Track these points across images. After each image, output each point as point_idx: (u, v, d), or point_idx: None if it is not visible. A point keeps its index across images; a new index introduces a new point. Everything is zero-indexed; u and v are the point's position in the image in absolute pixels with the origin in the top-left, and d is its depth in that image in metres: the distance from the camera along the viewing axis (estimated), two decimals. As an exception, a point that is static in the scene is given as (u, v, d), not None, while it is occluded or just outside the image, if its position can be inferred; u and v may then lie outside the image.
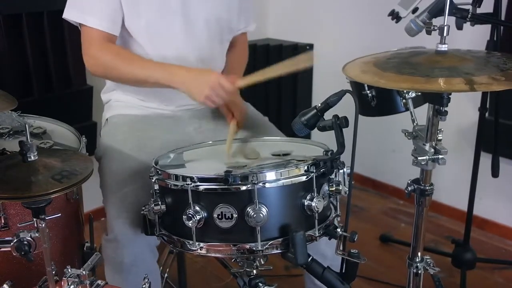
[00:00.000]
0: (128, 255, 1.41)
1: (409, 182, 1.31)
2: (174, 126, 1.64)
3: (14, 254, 1.12)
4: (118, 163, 1.51)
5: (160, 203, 1.22)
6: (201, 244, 1.18)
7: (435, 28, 1.25)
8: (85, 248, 1.43)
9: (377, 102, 1.73)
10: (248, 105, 1.78)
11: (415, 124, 1.42)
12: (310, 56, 1.61)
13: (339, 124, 1.17)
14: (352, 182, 1.21)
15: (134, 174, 1.47)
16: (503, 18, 1.95)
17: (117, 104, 1.70)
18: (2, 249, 1.21)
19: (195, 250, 1.19)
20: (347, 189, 1.23)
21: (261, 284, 1.23)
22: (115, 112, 1.69)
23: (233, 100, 1.56)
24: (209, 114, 1.71)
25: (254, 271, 1.25)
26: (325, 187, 1.22)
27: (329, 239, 1.25)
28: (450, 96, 1.18)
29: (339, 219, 1.32)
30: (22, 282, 1.24)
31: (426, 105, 1.25)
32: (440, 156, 1.23)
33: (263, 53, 2.91)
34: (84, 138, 1.45)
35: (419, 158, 1.23)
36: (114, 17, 1.51)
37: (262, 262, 1.25)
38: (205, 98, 1.40)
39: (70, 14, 1.53)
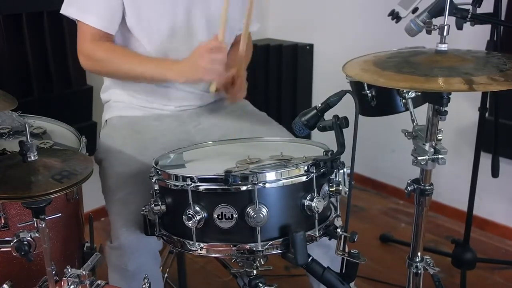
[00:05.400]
0: (132, 262, 1.40)
1: (409, 182, 1.31)
2: (174, 126, 1.64)
3: (14, 254, 1.12)
4: (120, 167, 1.50)
5: (160, 203, 1.22)
6: (201, 245, 1.18)
7: (435, 27, 1.25)
8: (85, 248, 1.43)
9: (377, 102, 1.73)
10: (246, 103, 1.79)
11: (415, 124, 1.42)
12: None
13: (339, 124, 1.17)
14: (352, 182, 1.21)
15: (136, 178, 1.46)
16: (503, 18, 1.95)
17: (116, 105, 1.70)
18: (2, 249, 1.21)
19: (195, 250, 1.19)
20: (347, 189, 1.23)
21: (261, 284, 1.23)
22: (114, 113, 1.69)
23: (240, 74, 1.59)
24: (208, 112, 1.71)
25: (254, 271, 1.25)
26: (325, 187, 1.22)
27: (329, 239, 1.25)
28: (450, 96, 1.18)
29: (339, 219, 1.32)
30: (22, 282, 1.24)
31: (426, 105, 1.25)
32: (440, 156, 1.23)
33: (263, 53, 2.91)
34: (84, 138, 1.44)
35: (419, 158, 1.23)
36: (111, 15, 1.51)
37: (262, 262, 1.25)
38: (204, 70, 1.40)
39: (67, 10, 1.53)
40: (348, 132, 1.17)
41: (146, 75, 1.50)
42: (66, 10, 1.54)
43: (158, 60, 1.52)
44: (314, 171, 1.17)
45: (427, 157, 1.23)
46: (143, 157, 1.50)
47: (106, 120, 1.71)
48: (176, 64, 1.47)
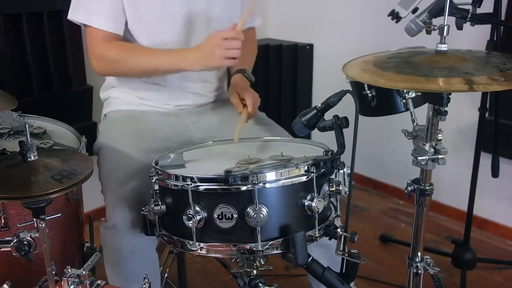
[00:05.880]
0: (127, 242, 1.41)
1: (409, 182, 1.31)
2: (172, 120, 1.66)
3: (14, 254, 1.12)
4: (117, 153, 1.52)
5: (160, 203, 1.22)
6: (201, 245, 1.18)
7: (435, 28, 1.25)
8: (85, 248, 1.43)
9: (377, 102, 1.73)
10: None
11: (415, 124, 1.42)
12: None
13: (339, 124, 1.17)
14: (352, 182, 1.21)
15: (132, 164, 1.48)
16: (503, 18, 1.95)
17: (115, 101, 1.72)
18: (2, 249, 1.21)
19: (195, 250, 1.19)
20: (347, 189, 1.23)
21: (261, 284, 1.23)
22: (114, 108, 1.71)
23: (245, 90, 1.57)
24: (208, 111, 1.72)
25: (254, 271, 1.25)
26: (325, 187, 1.22)
27: (329, 239, 1.25)
28: (450, 96, 1.18)
29: (339, 219, 1.32)
30: (22, 282, 1.24)
31: (426, 105, 1.25)
32: (440, 156, 1.23)
33: (263, 53, 2.91)
34: (84, 138, 1.44)
35: (419, 158, 1.23)
36: (118, 17, 1.52)
37: (262, 262, 1.25)
38: (220, 58, 1.40)
39: (75, 15, 1.54)
40: (348, 132, 1.17)
41: (161, 68, 1.50)
42: (73, 15, 1.54)
43: (170, 51, 1.51)
44: (314, 171, 1.17)
45: (427, 157, 1.23)
46: (140, 145, 1.52)
47: (105, 114, 1.73)
48: (190, 52, 1.46)
